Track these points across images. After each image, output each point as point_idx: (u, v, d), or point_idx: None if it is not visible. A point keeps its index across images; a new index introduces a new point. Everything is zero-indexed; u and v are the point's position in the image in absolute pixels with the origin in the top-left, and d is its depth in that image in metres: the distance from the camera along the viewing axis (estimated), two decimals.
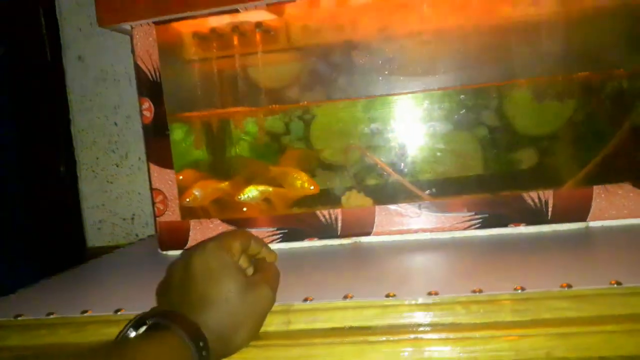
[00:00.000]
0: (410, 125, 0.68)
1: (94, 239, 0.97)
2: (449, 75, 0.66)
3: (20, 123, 0.96)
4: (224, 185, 0.65)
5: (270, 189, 0.66)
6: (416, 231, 0.62)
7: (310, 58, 0.70)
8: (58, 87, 0.95)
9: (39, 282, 0.60)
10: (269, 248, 0.47)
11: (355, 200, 0.66)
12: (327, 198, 0.67)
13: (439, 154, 0.67)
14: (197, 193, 0.63)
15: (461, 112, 0.67)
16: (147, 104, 0.66)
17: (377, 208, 0.63)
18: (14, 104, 0.96)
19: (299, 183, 0.64)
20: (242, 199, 0.64)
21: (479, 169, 0.67)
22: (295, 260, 0.58)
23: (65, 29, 0.94)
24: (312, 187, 0.64)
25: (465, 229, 0.61)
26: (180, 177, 0.65)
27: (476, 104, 0.67)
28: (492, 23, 0.65)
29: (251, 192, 0.63)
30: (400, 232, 0.63)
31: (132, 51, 0.67)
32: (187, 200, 0.63)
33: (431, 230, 0.62)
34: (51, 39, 0.93)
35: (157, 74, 0.65)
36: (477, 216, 0.61)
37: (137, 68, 0.66)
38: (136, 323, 0.37)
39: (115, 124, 0.94)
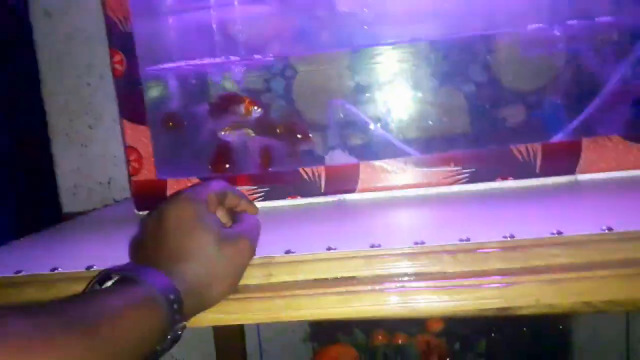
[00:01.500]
0: (396, 79, 0.66)
1: (69, 205, 0.93)
2: (434, 24, 0.63)
3: None
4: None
5: (252, 134, 0.64)
6: (402, 187, 0.60)
7: (290, 9, 0.67)
8: (25, 46, 0.90)
9: (8, 243, 0.57)
10: (249, 200, 0.45)
11: (338, 157, 0.64)
12: (311, 156, 0.65)
13: (425, 108, 0.65)
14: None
15: (447, 66, 0.64)
16: (119, 56, 0.62)
17: (362, 164, 0.61)
18: None
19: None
20: (223, 134, 0.64)
21: (466, 123, 0.65)
22: (277, 217, 0.56)
23: None
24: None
25: (452, 183, 0.59)
26: None
27: (462, 57, 0.65)
28: None
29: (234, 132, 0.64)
30: (386, 189, 0.61)
31: (102, 1, 0.63)
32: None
33: (417, 186, 0.60)
34: None
35: (129, 24, 0.61)
36: (464, 171, 0.59)
37: (107, 18, 0.62)
38: (101, 278, 0.34)
39: (88, 84, 0.90)
